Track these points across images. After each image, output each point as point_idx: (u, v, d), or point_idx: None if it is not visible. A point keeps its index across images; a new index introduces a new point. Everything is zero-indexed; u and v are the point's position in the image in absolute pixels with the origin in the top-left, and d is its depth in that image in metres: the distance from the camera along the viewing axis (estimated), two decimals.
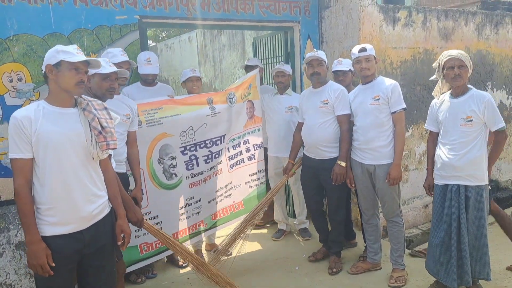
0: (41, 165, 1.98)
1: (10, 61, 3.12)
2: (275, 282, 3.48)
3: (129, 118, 2.98)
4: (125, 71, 2.69)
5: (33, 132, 1.94)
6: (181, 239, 3.60)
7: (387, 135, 3.24)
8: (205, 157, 3.65)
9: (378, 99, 3.19)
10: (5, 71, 3.11)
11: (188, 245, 3.79)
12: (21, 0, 3.09)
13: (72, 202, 2.04)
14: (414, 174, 4.64)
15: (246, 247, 3.82)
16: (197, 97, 3.63)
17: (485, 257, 2.94)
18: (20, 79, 3.17)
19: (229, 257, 3.73)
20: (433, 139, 3.13)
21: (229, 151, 3.89)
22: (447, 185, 2.95)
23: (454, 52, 2.88)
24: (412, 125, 4.56)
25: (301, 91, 4.38)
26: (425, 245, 3.71)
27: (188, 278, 3.60)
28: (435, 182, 3.08)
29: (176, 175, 3.49)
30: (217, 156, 3.73)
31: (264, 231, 4.64)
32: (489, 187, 2.98)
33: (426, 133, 4.25)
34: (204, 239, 4.04)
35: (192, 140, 3.55)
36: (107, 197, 2.23)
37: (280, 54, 4.80)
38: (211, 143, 3.67)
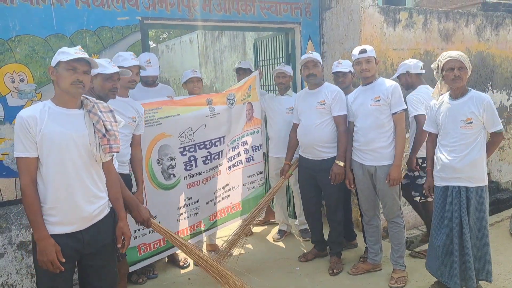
0: (44, 165, 2.00)
1: (12, 62, 3.14)
2: (275, 283, 3.48)
3: (135, 121, 2.99)
4: (127, 71, 2.69)
5: (38, 132, 1.96)
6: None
7: (388, 136, 3.25)
8: (204, 158, 3.66)
9: (379, 100, 3.20)
10: (7, 71, 3.13)
11: None
12: (23, 1, 3.11)
13: (73, 202, 2.05)
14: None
15: (247, 247, 3.83)
16: (196, 98, 3.64)
17: (487, 258, 2.95)
18: (22, 80, 3.18)
19: (230, 256, 3.73)
20: (432, 140, 3.14)
21: (228, 153, 3.90)
22: (447, 186, 2.95)
23: (454, 54, 2.87)
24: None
25: None
26: (426, 246, 3.72)
27: (189, 279, 3.61)
28: (435, 184, 3.08)
29: (174, 176, 3.51)
30: (216, 157, 3.74)
31: (263, 227, 4.65)
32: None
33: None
34: (205, 239, 4.05)
35: (191, 141, 3.56)
36: (107, 199, 2.24)
37: (281, 55, 4.81)
38: (210, 144, 3.68)
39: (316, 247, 3.88)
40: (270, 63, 5.06)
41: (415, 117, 3.47)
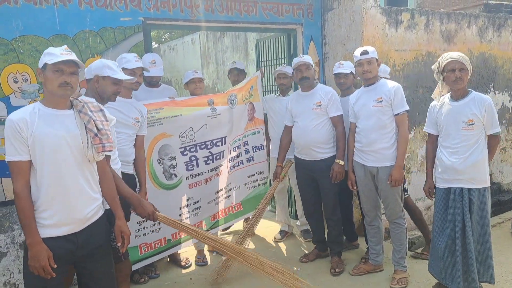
0: (37, 167, 1.97)
1: (16, 62, 3.15)
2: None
3: (139, 121, 3.01)
4: (133, 78, 2.72)
5: (30, 134, 1.94)
6: (183, 239, 3.62)
7: (390, 137, 3.25)
8: (205, 158, 3.67)
9: (381, 101, 3.21)
10: (10, 72, 3.15)
11: (190, 245, 3.82)
12: (27, 2, 3.13)
13: (67, 204, 2.03)
14: (416, 176, 4.65)
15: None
16: (198, 99, 3.65)
17: (489, 260, 2.95)
18: (26, 80, 3.20)
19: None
20: (432, 141, 3.14)
21: (230, 153, 3.91)
22: (449, 188, 2.95)
23: (455, 55, 2.87)
24: (414, 127, 4.57)
25: None
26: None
27: (190, 279, 3.62)
28: (437, 186, 3.08)
29: (176, 176, 3.52)
30: (217, 157, 3.75)
31: (265, 228, 4.66)
32: None
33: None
34: None
35: (192, 141, 3.57)
36: (101, 199, 2.21)
37: (283, 56, 4.82)
38: (211, 144, 3.69)
39: (318, 248, 3.89)
40: (272, 63, 5.07)
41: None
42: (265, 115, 4.25)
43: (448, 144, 2.95)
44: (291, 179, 4.33)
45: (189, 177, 3.60)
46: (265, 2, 4.18)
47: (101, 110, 2.20)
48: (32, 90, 3.22)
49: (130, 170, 3.01)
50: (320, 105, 3.51)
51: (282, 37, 4.77)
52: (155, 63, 3.47)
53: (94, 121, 2.09)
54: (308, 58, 3.57)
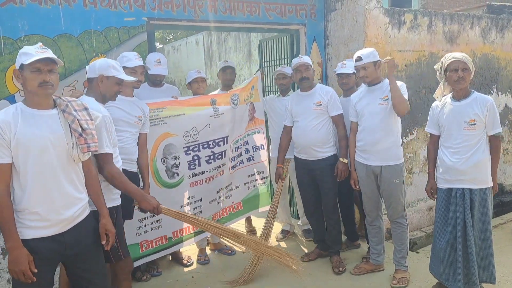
0: (21, 169, 1.93)
1: None
2: (278, 282, 3.50)
3: (141, 120, 3.04)
4: (133, 78, 2.76)
5: (13, 137, 1.89)
6: (185, 237, 3.65)
7: (395, 136, 3.29)
8: (207, 158, 3.69)
9: (387, 99, 3.22)
10: None
11: (192, 244, 3.84)
12: (32, 2, 3.16)
13: (53, 205, 2.00)
14: (418, 176, 4.65)
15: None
16: (200, 98, 3.68)
17: (490, 260, 2.95)
18: None
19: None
20: (433, 142, 3.15)
21: (231, 153, 3.93)
22: (451, 189, 2.96)
23: (458, 55, 2.88)
24: (416, 128, 4.57)
25: None
26: (429, 247, 3.72)
27: (192, 277, 3.64)
28: (438, 186, 3.09)
29: (178, 174, 3.54)
30: (219, 157, 3.77)
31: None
32: None
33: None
34: (208, 237, 4.08)
35: (195, 141, 3.59)
36: (87, 199, 2.20)
37: (285, 56, 4.84)
38: (213, 144, 3.71)
39: (319, 247, 3.90)
40: (275, 64, 5.08)
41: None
42: (265, 115, 4.28)
43: (450, 144, 2.96)
44: (292, 179, 4.34)
45: (191, 176, 3.62)
46: (268, 2, 4.20)
47: (86, 108, 2.15)
48: None
49: (134, 168, 3.03)
50: (320, 105, 3.54)
51: (285, 37, 4.78)
52: (160, 62, 3.50)
53: (78, 120, 2.05)
54: (307, 59, 3.60)
